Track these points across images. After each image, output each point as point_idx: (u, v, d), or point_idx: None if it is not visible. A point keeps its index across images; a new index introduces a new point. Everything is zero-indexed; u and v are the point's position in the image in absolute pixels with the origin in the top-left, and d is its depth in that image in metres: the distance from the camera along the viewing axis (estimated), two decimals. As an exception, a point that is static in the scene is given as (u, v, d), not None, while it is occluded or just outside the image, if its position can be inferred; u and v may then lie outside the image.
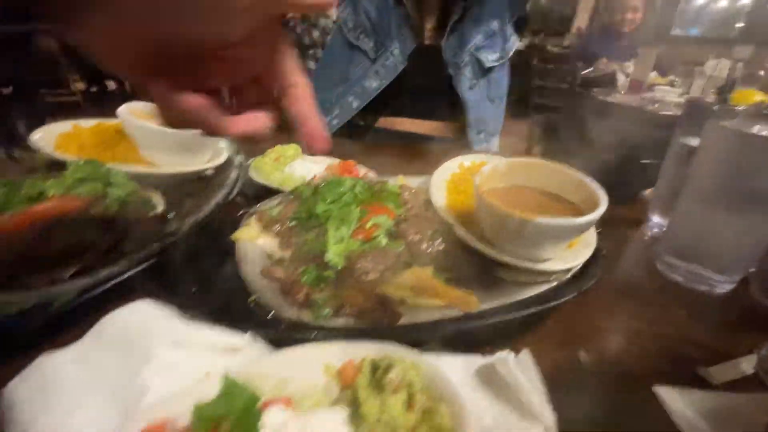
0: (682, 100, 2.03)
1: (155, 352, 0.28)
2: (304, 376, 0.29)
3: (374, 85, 1.05)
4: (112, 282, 0.35)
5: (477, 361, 0.33)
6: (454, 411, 0.26)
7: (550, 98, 2.54)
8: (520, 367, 0.32)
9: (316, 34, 4.35)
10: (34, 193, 0.40)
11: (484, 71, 1.08)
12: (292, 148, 0.72)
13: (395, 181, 0.58)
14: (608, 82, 2.63)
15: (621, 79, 2.42)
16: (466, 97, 1.08)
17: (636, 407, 0.33)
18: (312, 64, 4.42)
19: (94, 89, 5.25)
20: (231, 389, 0.25)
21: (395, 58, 1.04)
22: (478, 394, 0.31)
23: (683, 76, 2.41)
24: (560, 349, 0.37)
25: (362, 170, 0.70)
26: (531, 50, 3.98)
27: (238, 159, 0.63)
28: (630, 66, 2.48)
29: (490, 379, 0.31)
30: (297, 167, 0.68)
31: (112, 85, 5.57)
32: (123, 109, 0.53)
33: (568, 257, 0.42)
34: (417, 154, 0.98)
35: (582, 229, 0.39)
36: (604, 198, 0.40)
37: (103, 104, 5.12)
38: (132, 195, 0.44)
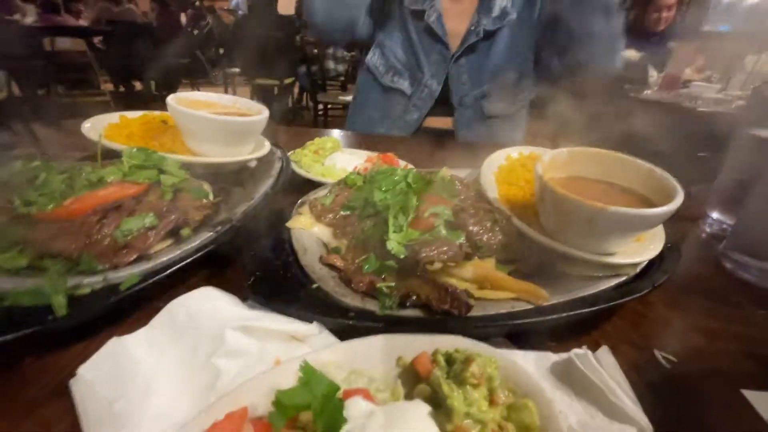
0: (721, 95, 1.94)
1: (225, 337, 0.27)
2: (376, 367, 0.28)
3: (415, 116, 1.12)
4: (173, 269, 0.34)
5: (550, 357, 0.31)
6: (542, 407, 0.25)
7: (579, 97, 2.45)
8: (601, 365, 0.30)
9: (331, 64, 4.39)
10: (94, 179, 0.40)
11: (484, 118, 1.11)
12: (330, 141, 0.71)
13: (441, 173, 0.57)
14: (639, 78, 2.54)
15: (653, 75, 2.34)
16: (458, 128, 1.12)
17: (724, 411, 0.31)
18: (331, 64, 4.45)
19: (121, 89, 5.45)
20: (310, 378, 0.24)
21: (430, 89, 1.10)
22: (558, 393, 0.29)
23: (720, 71, 2.31)
24: (635, 347, 0.35)
25: (402, 163, 0.69)
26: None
27: (280, 151, 0.63)
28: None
29: (569, 377, 0.29)
30: (337, 159, 0.68)
31: (138, 85, 5.75)
32: (171, 99, 0.53)
33: (636, 251, 0.40)
34: (452, 147, 0.96)
35: (657, 221, 0.37)
36: (678, 189, 0.38)
37: (131, 103, 5.31)
38: (184, 182, 0.44)
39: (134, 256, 0.34)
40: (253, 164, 0.60)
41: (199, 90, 6.85)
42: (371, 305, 0.32)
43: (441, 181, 0.45)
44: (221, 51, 5.16)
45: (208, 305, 0.30)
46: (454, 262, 0.35)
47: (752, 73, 2.13)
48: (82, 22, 5.30)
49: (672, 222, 0.47)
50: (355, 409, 0.23)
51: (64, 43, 4.71)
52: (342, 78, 4.85)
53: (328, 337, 0.30)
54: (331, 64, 4.74)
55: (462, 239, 0.37)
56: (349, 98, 4.03)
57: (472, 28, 1.05)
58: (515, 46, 1.10)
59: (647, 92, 2.08)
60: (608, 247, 0.39)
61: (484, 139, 1.13)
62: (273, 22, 4.56)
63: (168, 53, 5.77)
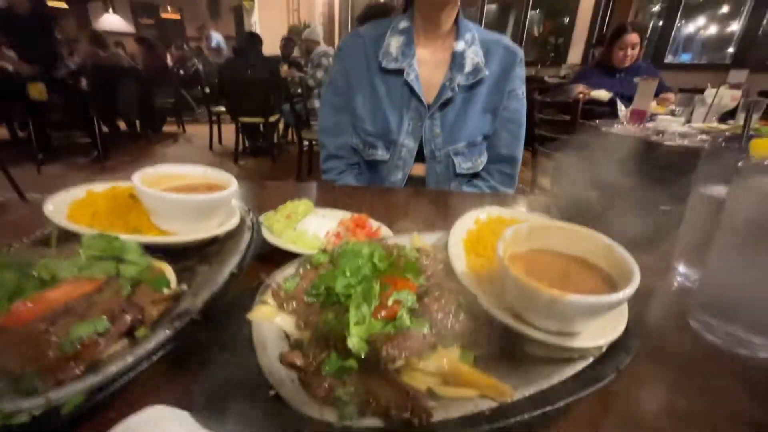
0: (685, 128, 2.04)
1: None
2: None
3: (399, 176, 1.16)
4: (122, 381, 0.33)
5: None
6: None
7: (552, 130, 2.56)
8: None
9: (320, 74, 4.51)
10: (46, 275, 0.39)
11: (454, 175, 1.16)
12: (303, 204, 0.72)
13: (411, 241, 0.57)
14: (609, 112, 2.67)
15: (621, 109, 2.45)
16: (428, 182, 1.18)
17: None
18: (317, 103, 4.57)
19: (106, 130, 5.47)
20: None
21: (407, 147, 1.14)
22: None
23: (683, 104, 2.43)
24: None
25: (375, 224, 0.69)
26: (529, 81, 4.08)
27: (250, 219, 0.63)
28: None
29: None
30: (309, 224, 0.68)
31: (122, 125, 5.79)
32: (136, 177, 0.53)
33: (600, 331, 0.40)
34: (426, 203, 0.98)
35: (617, 305, 0.37)
36: (635, 267, 0.38)
37: (116, 141, 5.32)
38: (145, 272, 0.43)
39: (82, 368, 0.33)
40: (222, 236, 0.59)
41: (184, 128, 6.91)
42: (330, 415, 0.31)
43: (407, 259, 0.45)
44: (207, 90, 5.26)
45: (157, 427, 0.28)
46: (417, 357, 0.35)
47: (712, 106, 2.26)
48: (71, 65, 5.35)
49: (642, 277, 0.47)
50: None
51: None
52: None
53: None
54: (315, 103, 4.86)
55: (426, 329, 0.37)
56: (333, 134, 4.09)
57: (447, 83, 1.09)
58: (490, 104, 1.15)
59: (617, 126, 2.17)
60: (572, 327, 0.39)
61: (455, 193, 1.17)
62: (258, 63, 4.70)
63: (154, 94, 5.85)
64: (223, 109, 5.08)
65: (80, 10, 10.76)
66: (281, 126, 5.50)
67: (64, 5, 9.76)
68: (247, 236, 0.58)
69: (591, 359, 0.38)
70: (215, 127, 5.35)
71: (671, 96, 2.77)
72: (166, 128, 6.45)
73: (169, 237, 0.52)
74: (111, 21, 11.48)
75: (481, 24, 4.88)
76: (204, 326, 0.39)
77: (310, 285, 0.42)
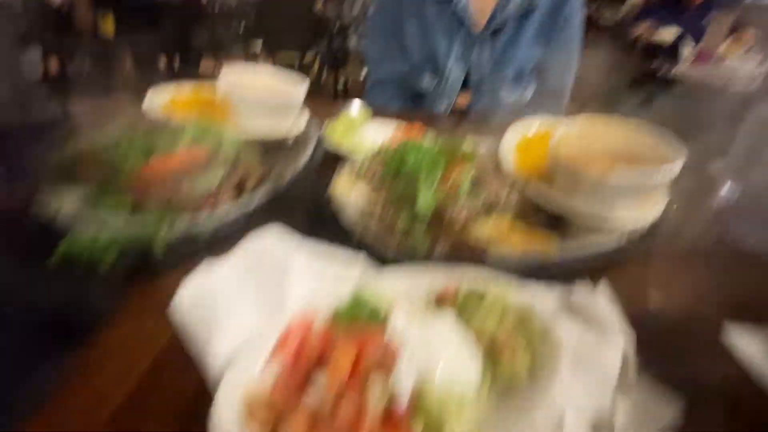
0: (760, 70, 1.85)
1: (293, 265, 0.34)
2: (412, 292, 0.34)
3: (444, 105, 1.14)
4: (239, 220, 0.42)
5: (557, 290, 0.37)
6: (543, 323, 0.31)
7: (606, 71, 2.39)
8: (598, 297, 0.35)
9: (356, 10, 4.31)
10: (168, 143, 0.48)
11: (499, 106, 1.12)
12: (361, 114, 0.77)
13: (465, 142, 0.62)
14: (671, 51, 2.44)
15: (686, 48, 2.24)
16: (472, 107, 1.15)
17: (705, 347, 0.36)
18: (354, 41, 4.41)
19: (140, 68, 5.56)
20: (359, 299, 0.31)
21: (454, 75, 1.11)
22: (559, 316, 0.35)
23: (761, 44, 2.19)
24: (630, 293, 0.40)
25: (429, 134, 0.74)
26: (585, 22, 3.74)
27: (315, 124, 0.69)
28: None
29: (569, 304, 0.35)
30: (367, 132, 0.73)
31: (162, 64, 5.87)
32: (221, 79, 0.60)
33: (640, 215, 0.45)
34: (476, 121, 1.00)
35: (658, 182, 0.41)
36: (681, 152, 0.42)
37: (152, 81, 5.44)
38: (240, 150, 0.51)
39: (209, 209, 0.42)
40: (291, 138, 0.66)
41: (220, 68, 6.89)
42: (405, 252, 0.39)
43: (465, 150, 0.50)
44: (242, 24, 5.18)
45: (276, 239, 0.37)
46: (474, 219, 0.41)
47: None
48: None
49: (682, 195, 0.51)
50: (396, 319, 0.29)
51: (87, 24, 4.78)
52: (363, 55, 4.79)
53: (373, 270, 0.36)
54: (353, 40, 4.69)
55: (482, 200, 0.43)
56: (370, 74, 4.00)
57: (498, 11, 1.06)
58: (542, 33, 1.10)
59: (677, 69, 2.01)
60: (614, 208, 0.44)
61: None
62: (293, -4, 4.53)
63: (190, 32, 5.82)
64: (258, 45, 5.01)
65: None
66: (316, 67, 5.41)
67: None
68: (314, 138, 0.64)
69: (628, 237, 0.43)
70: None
71: (749, 34, 2.46)
72: (203, 68, 6.48)
73: (250, 132, 0.59)
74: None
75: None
76: (294, 195, 0.47)
77: (381, 164, 0.49)
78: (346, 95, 4.20)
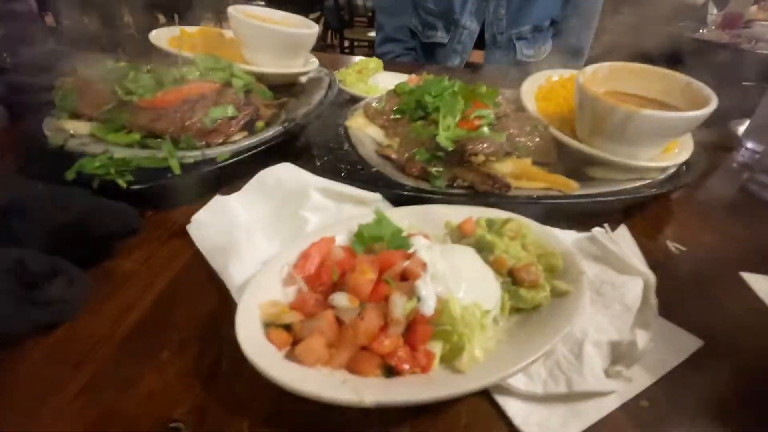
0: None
1: (310, 195, 0.34)
2: (429, 227, 0.34)
3: (456, 62, 1.11)
4: (256, 150, 0.40)
5: (575, 234, 0.37)
6: (565, 255, 0.30)
7: (625, 32, 2.28)
8: (618, 239, 0.35)
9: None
10: (177, 76, 0.46)
11: (515, 62, 1.08)
12: (373, 62, 0.74)
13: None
14: (698, 16, 2.33)
15: (713, 13, 2.13)
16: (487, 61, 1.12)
17: (724, 289, 0.36)
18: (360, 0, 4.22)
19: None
20: (382, 218, 0.30)
21: (469, 29, 1.07)
22: (580, 253, 0.34)
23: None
24: (650, 237, 0.40)
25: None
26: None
27: (326, 69, 0.66)
28: None
29: (589, 247, 0.35)
30: (380, 79, 0.71)
31: (161, 19, 5.67)
32: (233, 10, 0.56)
33: (663, 159, 0.43)
34: (492, 73, 0.97)
35: (688, 125, 0.40)
36: (713, 98, 0.40)
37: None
38: (252, 84, 0.49)
39: (221, 139, 0.41)
40: (303, 80, 0.64)
41: (221, 24, 6.70)
42: (424, 186, 0.38)
43: (485, 91, 0.48)
44: (245, -19, 4.94)
45: (291, 173, 0.36)
46: (495, 156, 0.40)
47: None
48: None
49: (706, 149, 0.49)
50: (418, 242, 0.29)
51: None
52: (370, 14, 4.60)
53: (389, 206, 0.36)
54: (359, 0, 4.48)
55: (503, 139, 0.41)
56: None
57: None
58: None
59: (703, 31, 1.92)
60: (638, 152, 0.42)
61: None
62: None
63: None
64: (262, 3, 4.81)
65: None
66: (321, 26, 5.19)
67: None
68: (326, 80, 0.62)
69: (650, 181, 0.42)
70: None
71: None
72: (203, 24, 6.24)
73: (265, 68, 0.57)
74: None
75: None
76: (308, 130, 0.46)
77: (397, 103, 0.47)
78: (352, 54, 4.06)
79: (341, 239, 0.30)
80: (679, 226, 0.43)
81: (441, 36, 1.11)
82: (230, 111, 0.42)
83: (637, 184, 0.42)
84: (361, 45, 4.12)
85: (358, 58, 0.78)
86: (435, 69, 1.08)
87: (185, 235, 0.34)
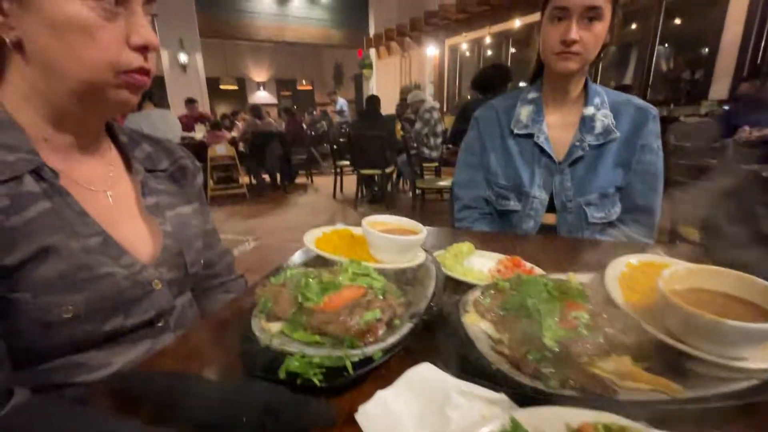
0: None
1: (451, 396, 0.44)
2: (552, 429, 0.41)
3: (531, 224, 1.26)
4: (400, 347, 0.53)
5: (691, 440, 0.40)
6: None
7: (691, 174, 2.35)
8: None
9: (422, 128, 4.99)
10: (335, 281, 0.64)
11: (587, 224, 1.21)
12: (465, 246, 0.90)
13: (568, 279, 0.70)
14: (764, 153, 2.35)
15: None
16: (559, 231, 1.24)
17: None
18: (425, 151, 4.97)
19: (254, 182, 6.75)
20: (517, 428, 0.38)
21: (539, 199, 1.24)
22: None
23: None
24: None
25: (528, 265, 0.83)
26: (662, 123, 3.80)
27: (430, 256, 0.83)
28: None
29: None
30: (473, 262, 0.86)
31: (266, 178, 7.10)
32: (364, 223, 0.79)
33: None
34: (566, 248, 1.07)
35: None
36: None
37: (261, 192, 6.54)
38: (385, 285, 0.66)
39: (373, 339, 0.55)
40: (413, 269, 0.81)
41: (312, 180, 7.97)
42: (539, 385, 0.46)
43: (575, 290, 0.58)
44: (335, 147, 6.18)
45: (433, 373, 0.47)
46: (597, 356, 0.48)
47: None
48: (234, 134, 6.84)
49: None
50: (550, 451, 0.36)
51: (220, 150, 6.06)
52: (435, 164, 5.31)
53: (511, 404, 0.44)
54: (426, 151, 5.26)
55: (600, 339, 0.50)
56: (443, 183, 4.40)
57: (577, 143, 1.20)
58: (621, 159, 1.20)
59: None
60: (737, 353, 0.47)
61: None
62: (378, 122, 5.36)
63: (291, 152, 7.06)
64: (347, 162, 5.85)
65: (241, 89, 13.86)
66: (394, 176, 6.05)
67: (234, 87, 12.88)
68: (434, 268, 0.78)
69: (755, 381, 0.46)
70: (338, 179, 6.13)
71: None
72: (298, 180, 7.63)
73: (388, 264, 0.75)
74: (261, 95, 14.33)
75: (598, 67, 4.77)
76: (428, 325, 0.59)
77: (501, 302, 0.59)
78: (423, 202, 4.55)
79: (483, 442, 0.39)
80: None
81: (514, 204, 1.28)
82: (378, 314, 0.57)
83: (745, 385, 0.45)
84: (431, 191, 4.65)
85: (457, 238, 0.96)
86: (508, 236, 1.23)
87: (354, 423, 0.45)
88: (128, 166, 0.77)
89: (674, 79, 5.87)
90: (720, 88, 4.93)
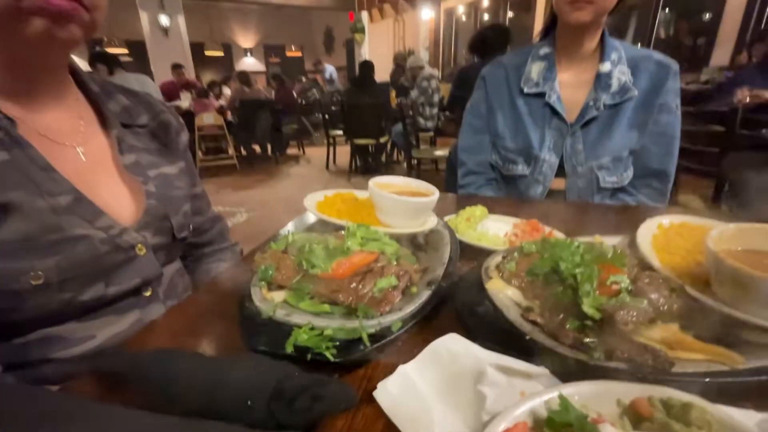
0: None
1: (486, 371, 0.38)
2: (601, 406, 0.36)
3: (539, 190, 1.19)
4: (419, 317, 0.48)
5: (755, 415, 0.36)
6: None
7: (700, 143, 2.30)
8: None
9: (420, 97, 4.83)
10: (343, 247, 0.57)
11: (598, 189, 1.14)
12: (479, 209, 0.84)
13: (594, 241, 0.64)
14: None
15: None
16: (568, 196, 1.18)
17: None
18: (421, 121, 4.84)
19: (244, 153, 6.55)
20: (566, 405, 0.33)
21: (549, 162, 1.17)
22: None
23: None
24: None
25: (546, 229, 0.78)
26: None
27: (442, 221, 0.77)
28: None
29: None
30: (488, 226, 0.80)
31: (257, 149, 6.89)
32: (372, 184, 0.71)
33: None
34: (584, 212, 1.02)
35: None
36: None
37: (251, 162, 6.36)
38: (399, 250, 0.59)
39: (389, 308, 0.49)
40: (425, 233, 0.74)
41: (304, 151, 7.77)
42: (581, 357, 0.41)
43: (613, 252, 0.53)
44: (326, 116, 5.96)
45: (462, 345, 0.42)
46: (644, 324, 0.43)
47: None
48: (222, 102, 6.56)
49: None
50: (605, 430, 0.31)
51: (208, 119, 5.83)
52: (431, 134, 5.18)
53: (552, 378, 0.39)
54: (421, 121, 5.12)
55: (645, 304, 0.44)
56: (439, 153, 4.30)
57: (591, 103, 1.11)
58: (637, 120, 1.12)
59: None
60: (795, 317, 0.42)
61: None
62: (372, 90, 5.16)
63: (282, 122, 6.82)
64: (340, 132, 5.67)
65: (227, 55, 13.27)
66: (388, 147, 5.91)
67: (220, 53, 12.32)
68: (446, 232, 0.72)
69: (819, 349, 0.41)
70: (331, 149, 5.96)
71: None
72: (290, 151, 7.43)
73: (399, 229, 0.68)
74: (248, 62, 13.73)
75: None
76: (451, 290, 0.53)
77: (529, 267, 0.53)
78: (419, 173, 4.46)
79: (529, 421, 0.34)
80: None
81: (522, 169, 1.21)
82: (393, 281, 0.51)
83: (807, 353, 0.41)
84: (425, 162, 4.56)
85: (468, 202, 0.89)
86: (516, 201, 1.17)
87: (373, 401, 0.40)
88: (103, 121, 0.67)
89: (675, 45, 5.71)
90: (722, 54, 4.82)
